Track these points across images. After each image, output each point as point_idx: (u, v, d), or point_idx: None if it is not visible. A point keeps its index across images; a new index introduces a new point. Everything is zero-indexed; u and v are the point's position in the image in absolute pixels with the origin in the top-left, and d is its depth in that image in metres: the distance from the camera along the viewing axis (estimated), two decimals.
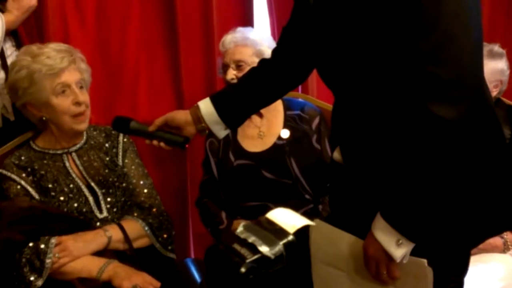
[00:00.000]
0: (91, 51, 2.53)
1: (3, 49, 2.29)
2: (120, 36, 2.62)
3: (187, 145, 1.78)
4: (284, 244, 1.53)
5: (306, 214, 2.20)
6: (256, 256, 1.51)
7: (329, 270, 1.49)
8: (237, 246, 1.53)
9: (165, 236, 2.14)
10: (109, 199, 2.13)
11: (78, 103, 2.10)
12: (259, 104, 1.81)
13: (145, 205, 2.18)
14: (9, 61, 2.29)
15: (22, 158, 2.12)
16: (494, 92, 2.43)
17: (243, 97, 1.76)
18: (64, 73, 2.08)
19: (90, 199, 2.11)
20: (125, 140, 2.24)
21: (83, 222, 2.06)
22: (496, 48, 2.46)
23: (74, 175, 2.13)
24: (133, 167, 2.22)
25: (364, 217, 1.41)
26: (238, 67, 2.33)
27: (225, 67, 2.37)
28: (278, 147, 2.35)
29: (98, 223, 2.09)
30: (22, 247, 1.94)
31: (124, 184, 2.17)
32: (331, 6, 1.44)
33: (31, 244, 1.95)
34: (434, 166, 1.30)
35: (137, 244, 2.09)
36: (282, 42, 1.77)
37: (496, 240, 2.29)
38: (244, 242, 1.54)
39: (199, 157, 2.53)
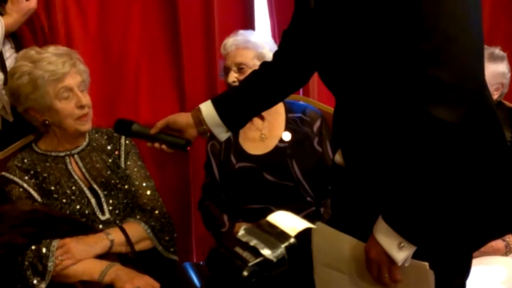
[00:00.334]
0: (93, 54, 2.54)
1: (2, 51, 2.29)
2: (122, 39, 2.62)
3: (188, 148, 1.78)
4: (286, 247, 1.53)
5: (307, 217, 2.21)
6: (258, 260, 1.50)
7: (331, 273, 1.49)
8: (239, 250, 1.53)
9: (167, 238, 2.15)
10: (111, 201, 2.14)
11: (81, 106, 2.10)
12: (260, 106, 1.80)
13: (147, 207, 2.18)
14: (8, 63, 2.29)
15: (25, 160, 2.12)
16: (495, 95, 2.43)
17: (245, 100, 1.75)
18: (66, 78, 2.08)
19: (93, 201, 2.11)
20: (127, 142, 2.24)
21: (86, 225, 2.06)
22: (497, 51, 2.47)
23: (76, 177, 2.13)
24: (135, 169, 2.22)
25: (366, 220, 1.41)
26: (240, 70, 2.33)
27: (227, 70, 2.37)
28: (280, 149, 2.35)
29: (100, 225, 2.09)
30: (24, 250, 1.94)
31: (126, 186, 2.17)
32: (332, 10, 1.45)
33: (33, 247, 1.95)
34: (435, 169, 1.29)
35: (139, 246, 2.09)
36: (283, 45, 1.77)
37: (498, 243, 2.29)
38: (245, 246, 1.54)
39: (201, 160, 2.53)
